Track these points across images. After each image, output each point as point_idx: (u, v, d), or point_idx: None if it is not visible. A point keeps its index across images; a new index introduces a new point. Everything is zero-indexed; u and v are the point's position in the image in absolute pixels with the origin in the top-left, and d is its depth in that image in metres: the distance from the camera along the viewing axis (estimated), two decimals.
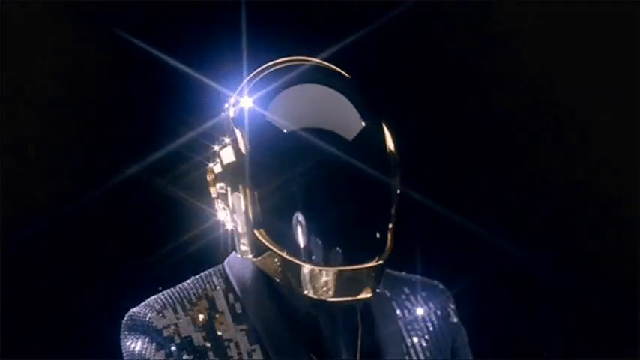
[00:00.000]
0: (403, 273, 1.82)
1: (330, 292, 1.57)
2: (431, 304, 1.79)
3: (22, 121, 2.91)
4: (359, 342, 1.66)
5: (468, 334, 1.86)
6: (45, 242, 2.93)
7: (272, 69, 1.67)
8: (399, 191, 1.66)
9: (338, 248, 1.58)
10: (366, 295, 1.59)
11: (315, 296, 1.57)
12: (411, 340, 1.73)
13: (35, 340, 2.93)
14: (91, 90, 2.95)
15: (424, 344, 1.74)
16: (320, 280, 1.57)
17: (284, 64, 1.67)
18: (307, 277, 1.56)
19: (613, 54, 3.04)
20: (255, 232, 1.61)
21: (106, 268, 2.93)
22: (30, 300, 2.91)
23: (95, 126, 2.98)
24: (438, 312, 1.79)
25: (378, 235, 1.63)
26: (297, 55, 1.70)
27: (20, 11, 2.82)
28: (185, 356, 1.61)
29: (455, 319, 1.80)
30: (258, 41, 2.15)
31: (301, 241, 1.58)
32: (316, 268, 1.57)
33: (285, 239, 1.60)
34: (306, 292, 1.57)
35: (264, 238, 1.60)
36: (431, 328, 1.76)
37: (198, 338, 1.63)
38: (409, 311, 1.76)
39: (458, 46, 3.08)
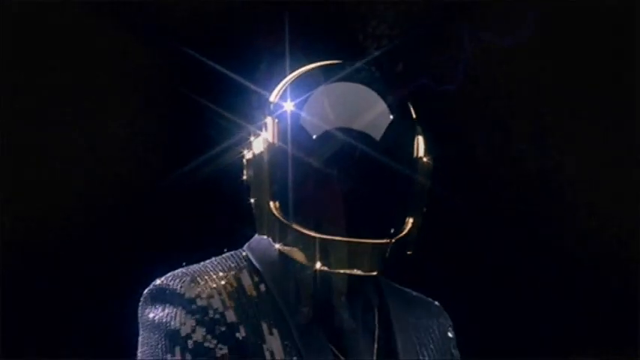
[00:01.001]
0: (405, 288, 1.85)
1: (332, 264, 1.61)
2: (434, 319, 1.83)
3: (25, 121, 2.92)
4: (375, 343, 1.67)
5: (468, 334, 1.90)
6: (45, 243, 2.94)
7: (311, 69, 1.70)
8: (425, 189, 1.70)
9: (346, 223, 1.61)
10: (368, 272, 1.63)
11: (317, 267, 1.61)
12: (421, 347, 1.75)
13: (35, 340, 2.93)
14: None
15: (433, 351, 1.76)
16: (326, 252, 1.61)
17: (323, 65, 1.70)
18: (316, 249, 1.61)
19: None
20: (271, 203, 1.64)
21: (106, 269, 2.93)
22: (30, 300, 2.91)
23: (99, 121, 2.99)
24: (440, 328, 1.83)
25: (390, 219, 1.67)
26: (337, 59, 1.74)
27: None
28: (218, 329, 1.61)
29: (452, 336, 1.84)
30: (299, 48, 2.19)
31: (312, 215, 1.63)
32: (324, 237, 1.61)
33: (297, 216, 1.64)
34: (314, 264, 1.61)
35: (277, 211, 1.64)
36: (435, 340, 1.80)
37: (230, 313, 1.63)
38: (416, 322, 1.78)
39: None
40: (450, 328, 1.84)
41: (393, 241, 1.65)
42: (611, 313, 3.11)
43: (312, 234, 1.61)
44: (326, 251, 1.61)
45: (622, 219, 3.14)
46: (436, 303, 1.87)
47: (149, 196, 2.94)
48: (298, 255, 1.65)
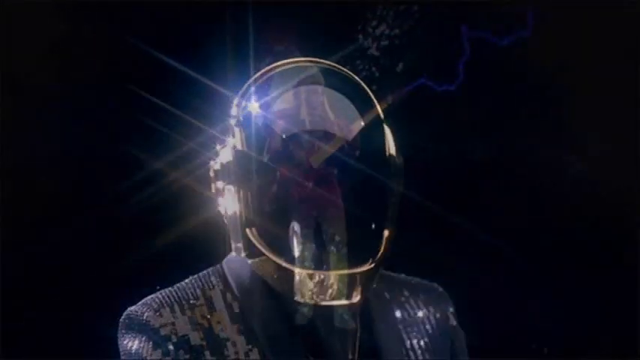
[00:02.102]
0: (402, 275, 1.82)
1: (317, 296, 1.59)
2: (430, 307, 1.79)
3: (24, 120, 2.91)
4: (357, 343, 1.66)
5: (468, 333, 1.86)
6: (45, 243, 2.93)
7: (277, 70, 1.68)
8: (399, 194, 1.66)
9: (328, 252, 1.60)
10: (353, 299, 1.61)
11: (301, 300, 1.59)
12: (410, 342, 1.73)
13: (35, 340, 2.93)
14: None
15: (423, 346, 1.74)
16: (308, 284, 1.59)
17: (289, 65, 1.68)
18: (296, 281, 1.59)
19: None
20: (247, 230, 1.62)
21: (105, 269, 2.93)
22: (30, 300, 2.91)
23: (99, 125, 2.98)
24: (438, 315, 1.79)
25: (370, 240, 1.65)
26: (303, 56, 1.71)
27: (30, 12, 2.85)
28: (182, 355, 1.62)
29: (454, 323, 1.80)
30: (264, 42, 2.16)
31: (291, 244, 1.60)
32: (304, 272, 1.59)
33: (275, 241, 1.62)
34: (295, 296, 1.59)
35: (254, 237, 1.62)
36: (430, 331, 1.76)
37: (195, 337, 1.63)
38: (409, 313, 1.76)
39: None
40: (450, 314, 1.80)
41: (374, 265, 1.63)
42: (611, 313, 3.10)
43: (291, 267, 1.59)
44: (306, 283, 1.59)
45: (622, 219, 3.14)
46: (439, 289, 1.84)
47: (150, 195, 2.94)
48: (276, 284, 1.63)
